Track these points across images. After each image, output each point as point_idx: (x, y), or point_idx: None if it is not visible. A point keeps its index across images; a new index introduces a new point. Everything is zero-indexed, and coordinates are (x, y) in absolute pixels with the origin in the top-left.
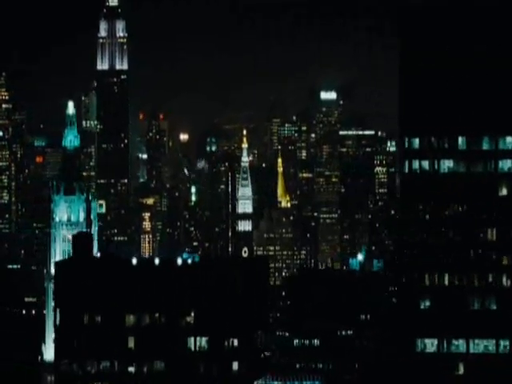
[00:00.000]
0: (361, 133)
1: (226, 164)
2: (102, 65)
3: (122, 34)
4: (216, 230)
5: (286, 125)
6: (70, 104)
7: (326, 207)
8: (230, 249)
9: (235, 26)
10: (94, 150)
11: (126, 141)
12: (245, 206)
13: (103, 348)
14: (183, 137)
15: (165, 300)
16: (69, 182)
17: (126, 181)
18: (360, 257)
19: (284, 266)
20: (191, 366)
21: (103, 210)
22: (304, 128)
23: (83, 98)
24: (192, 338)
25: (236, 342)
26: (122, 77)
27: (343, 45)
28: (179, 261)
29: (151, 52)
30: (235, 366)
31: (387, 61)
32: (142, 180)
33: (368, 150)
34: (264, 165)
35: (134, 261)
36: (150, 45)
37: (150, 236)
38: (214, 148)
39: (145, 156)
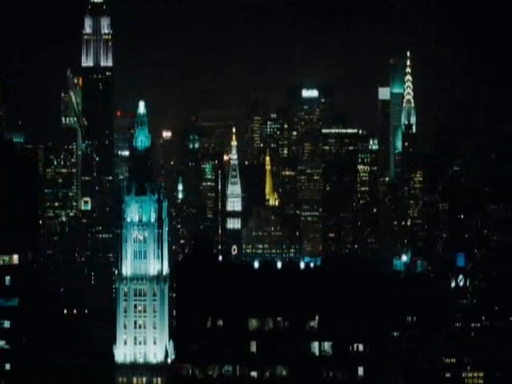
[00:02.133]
0: (343, 131)
1: (216, 162)
2: (87, 61)
3: (106, 31)
4: (201, 228)
5: (269, 122)
6: (141, 104)
7: (308, 205)
8: (219, 247)
9: (220, 22)
10: (76, 147)
11: (110, 138)
12: (234, 203)
13: (225, 352)
14: (166, 134)
15: (288, 304)
16: (140, 182)
17: (110, 178)
18: (404, 257)
19: None
20: (315, 371)
21: (88, 208)
22: (286, 126)
23: (63, 95)
24: (316, 343)
25: (361, 347)
26: (107, 73)
27: (326, 43)
28: (302, 264)
29: (135, 48)
30: (360, 371)
31: (369, 60)
32: (121, 177)
33: (350, 148)
34: (246, 162)
35: (256, 264)
36: (135, 41)
37: None
38: (196, 145)
39: (126, 153)
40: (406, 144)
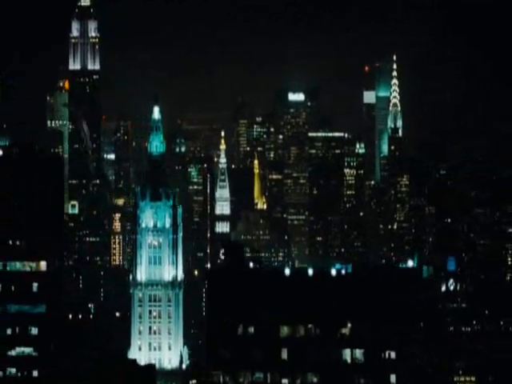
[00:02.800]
0: (330, 134)
1: (204, 165)
2: (75, 65)
3: (94, 34)
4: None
5: (255, 126)
6: (156, 109)
7: (294, 209)
8: (208, 250)
9: (207, 24)
10: (62, 150)
11: (98, 141)
12: (223, 207)
13: (257, 359)
14: None
15: (319, 311)
16: (155, 187)
17: (98, 181)
18: (410, 263)
19: None
20: (346, 378)
21: (76, 211)
22: (272, 129)
23: (48, 98)
24: (347, 350)
25: (393, 355)
26: (94, 77)
27: (311, 44)
28: (333, 271)
29: (123, 52)
30: (393, 378)
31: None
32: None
33: (337, 151)
34: (233, 166)
35: (287, 271)
36: (122, 44)
37: (121, 237)
38: (183, 149)
39: (111, 156)
40: (393, 148)
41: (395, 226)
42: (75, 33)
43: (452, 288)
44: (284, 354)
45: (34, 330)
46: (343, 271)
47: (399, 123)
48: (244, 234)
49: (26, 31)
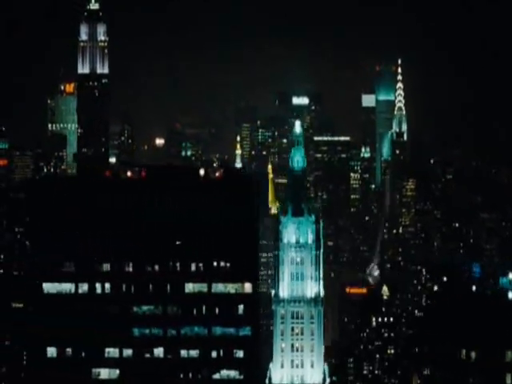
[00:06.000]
0: (336, 138)
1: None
2: (83, 68)
3: (103, 38)
4: None
5: (260, 130)
6: (297, 123)
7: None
8: None
9: (215, 31)
10: (66, 154)
11: (106, 146)
12: None
13: None
14: (159, 141)
15: None
16: (297, 203)
17: None
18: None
19: None
20: None
21: None
22: (276, 133)
23: (49, 102)
24: None
25: None
26: (103, 81)
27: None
28: None
29: (131, 56)
30: None
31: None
32: None
33: (342, 155)
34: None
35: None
36: (131, 48)
37: None
38: (189, 152)
39: (112, 160)
40: (398, 152)
41: (400, 230)
42: (84, 36)
43: None
44: (508, 380)
45: (239, 353)
46: None
47: (404, 127)
48: (261, 239)
49: (33, 35)
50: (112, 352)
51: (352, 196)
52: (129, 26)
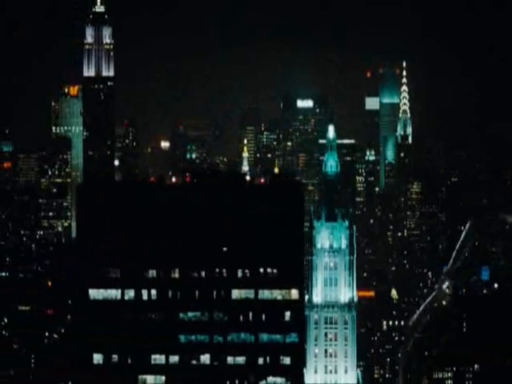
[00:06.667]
0: (340, 141)
1: None
2: (89, 71)
3: (108, 41)
4: None
5: (265, 133)
6: (331, 128)
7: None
8: None
9: (220, 33)
10: (70, 157)
11: (112, 148)
12: None
13: None
14: (164, 144)
15: None
16: (330, 208)
17: None
18: None
19: None
20: None
21: None
22: (281, 136)
23: (53, 104)
24: None
25: None
26: (109, 83)
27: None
28: None
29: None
30: None
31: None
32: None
33: (347, 158)
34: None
35: None
36: (137, 51)
37: None
38: (194, 155)
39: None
40: (402, 155)
41: (405, 234)
42: (89, 39)
43: None
44: None
45: (286, 360)
46: None
47: (409, 130)
48: None
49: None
50: (158, 359)
51: (357, 199)
52: (134, 28)
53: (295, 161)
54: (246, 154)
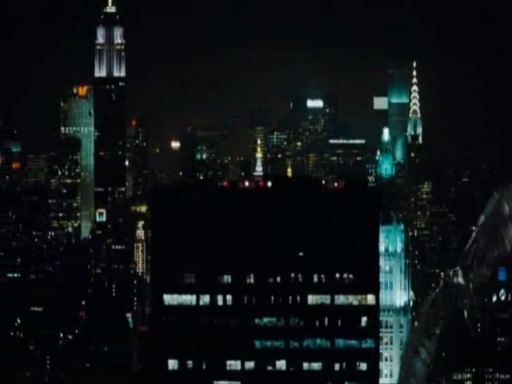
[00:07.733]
0: (351, 141)
1: (242, 174)
2: (100, 72)
3: (119, 41)
4: None
5: (275, 133)
6: (385, 130)
7: None
8: None
9: (229, 34)
10: (80, 157)
11: (123, 149)
12: None
13: None
14: (175, 144)
15: None
16: (385, 211)
17: (123, 189)
18: None
19: None
20: None
21: (104, 219)
22: (291, 136)
23: (62, 104)
24: None
25: None
26: (120, 84)
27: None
28: None
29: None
30: None
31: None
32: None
33: (358, 158)
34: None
35: None
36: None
37: (144, 245)
38: (204, 156)
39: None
40: (413, 155)
41: (416, 234)
42: (101, 39)
43: (503, 298)
44: None
45: (363, 366)
46: None
47: (419, 130)
48: None
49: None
50: (234, 364)
51: None
52: (146, 28)
53: (305, 161)
54: (259, 155)
